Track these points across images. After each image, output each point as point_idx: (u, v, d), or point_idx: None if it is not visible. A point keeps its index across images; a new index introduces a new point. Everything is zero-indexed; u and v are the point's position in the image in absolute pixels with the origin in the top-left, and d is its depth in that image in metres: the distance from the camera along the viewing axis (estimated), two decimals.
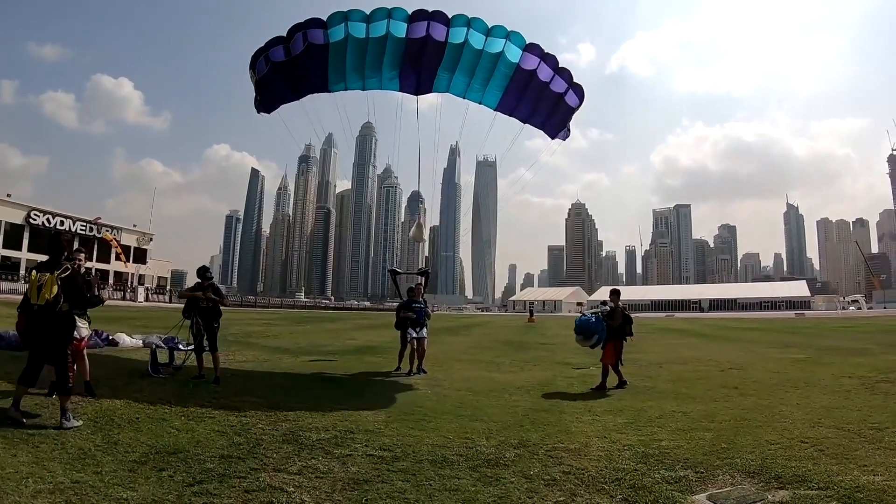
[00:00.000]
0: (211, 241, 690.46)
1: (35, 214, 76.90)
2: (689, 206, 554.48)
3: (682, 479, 5.92)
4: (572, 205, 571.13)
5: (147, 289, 75.77)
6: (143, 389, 10.00)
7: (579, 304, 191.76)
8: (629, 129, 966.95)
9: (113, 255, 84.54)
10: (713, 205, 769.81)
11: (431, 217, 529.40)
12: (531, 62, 13.09)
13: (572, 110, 14.31)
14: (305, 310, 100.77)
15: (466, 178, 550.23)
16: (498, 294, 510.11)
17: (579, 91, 13.94)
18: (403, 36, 12.73)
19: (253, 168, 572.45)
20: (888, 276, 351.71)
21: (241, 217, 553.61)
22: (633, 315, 13.13)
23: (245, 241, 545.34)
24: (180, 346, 15.36)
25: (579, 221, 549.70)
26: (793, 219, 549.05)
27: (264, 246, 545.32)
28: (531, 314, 72.17)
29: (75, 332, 7.89)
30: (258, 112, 14.53)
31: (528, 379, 13.80)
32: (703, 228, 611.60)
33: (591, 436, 7.83)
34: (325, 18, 12.74)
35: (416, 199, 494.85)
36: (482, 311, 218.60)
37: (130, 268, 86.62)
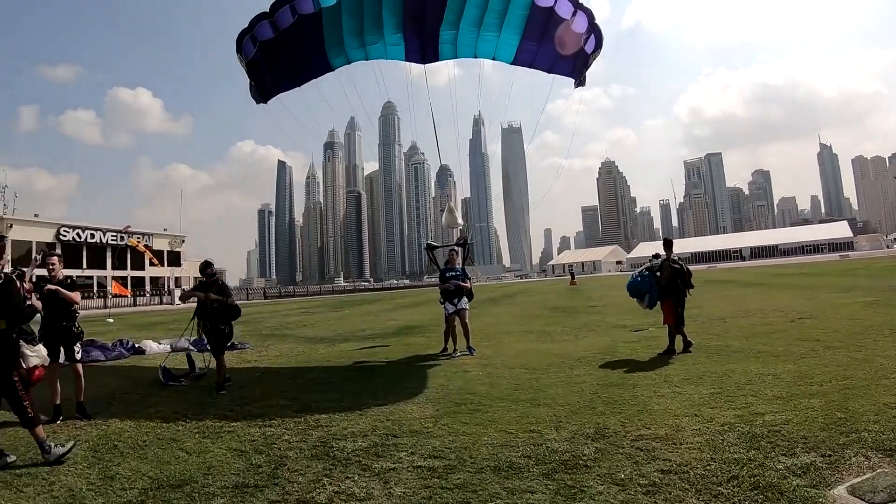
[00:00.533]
0: (246, 236, 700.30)
1: (65, 231, 76.92)
2: (720, 154, 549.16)
3: (809, 468, 4.68)
4: (602, 163, 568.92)
5: (184, 290, 75.49)
6: (160, 403, 8.95)
7: (618, 262, 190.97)
8: (650, 82, 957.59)
9: (147, 262, 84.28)
10: (745, 151, 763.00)
11: (462, 189, 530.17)
12: None
13: (589, 56, 12.64)
14: (345, 294, 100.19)
15: (493, 148, 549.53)
16: (535, 260, 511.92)
17: (598, 34, 12.28)
18: None
19: (279, 160, 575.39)
20: None
21: (273, 210, 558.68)
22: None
23: (279, 233, 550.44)
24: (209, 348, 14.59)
25: (610, 180, 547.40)
26: (826, 159, 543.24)
27: (299, 236, 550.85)
28: (572, 277, 71.16)
29: (22, 362, 6.51)
30: (256, 102, 13.18)
31: (586, 348, 12.56)
32: (736, 176, 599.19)
33: (679, 415, 6.58)
34: None
35: (444, 173, 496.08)
36: (521, 278, 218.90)
37: (165, 271, 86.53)
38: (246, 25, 11.86)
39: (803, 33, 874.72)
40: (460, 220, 17.14)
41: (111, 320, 34.95)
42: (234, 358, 13.84)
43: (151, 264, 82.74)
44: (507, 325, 19.06)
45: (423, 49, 13.03)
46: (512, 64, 13.18)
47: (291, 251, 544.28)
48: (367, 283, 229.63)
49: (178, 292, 70.44)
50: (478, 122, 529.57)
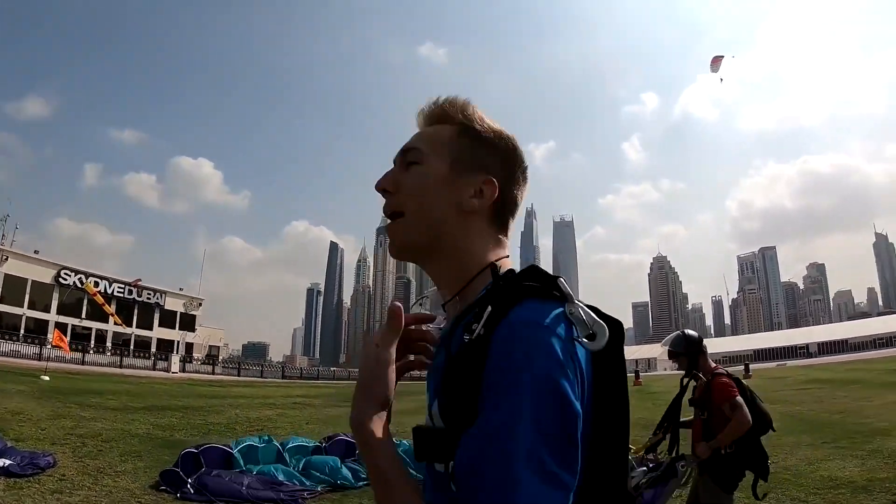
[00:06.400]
0: (293, 313, 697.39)
1: (66, 274, 69.70)
2: (775, 248, 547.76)
3: None
4: (654, 258, 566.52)
5: (183, 357, 67.13)
6: None
7: None
8: (700, 176, 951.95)
9: (137, 317, 76.15)
10: (797, 244, 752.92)
11: None
12: None
13: None
14: None
15: (544, 241, 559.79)
16: None
17: None
18: None
19: (332, 241, 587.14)
20: None
21: (322, 290, 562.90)
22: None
23: (326, 313, 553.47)
24: None
25: (662, 275, 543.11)
26: (883, 249, 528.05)
27: (345, 318, 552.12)
28: (637, 375, 61.80)
29: None
30: None
31: None
32: (790, 270, 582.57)
33: None
34: None
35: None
36: None
37: (176, 335, 78.31)
38: None
39: (852, 120, 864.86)
40: None
41: (46, 378, 28.04)
42: None
43: (116, 320, 74.31)
44: None
45: None
46: None
47: (337, 332, 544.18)
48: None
49: (175, 358, 61.80)
50: (530, 215, 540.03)
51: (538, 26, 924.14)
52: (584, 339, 1.05)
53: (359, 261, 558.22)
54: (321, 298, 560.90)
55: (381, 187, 1.29)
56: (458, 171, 1.26)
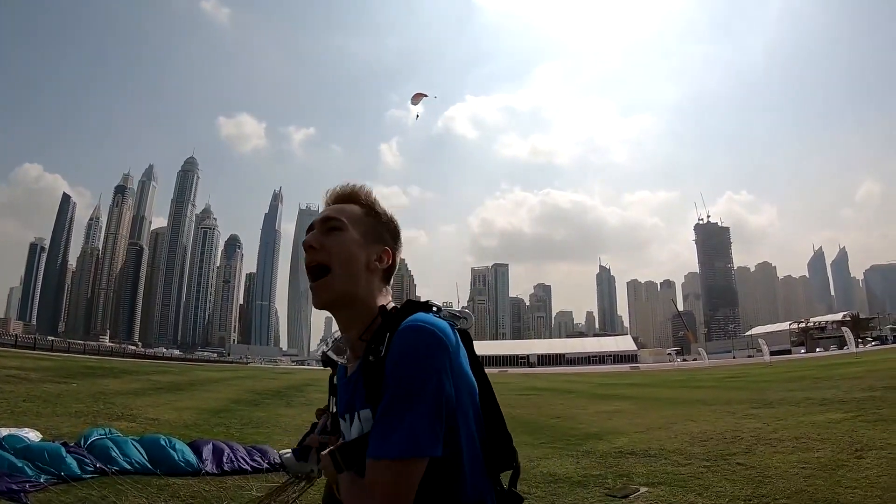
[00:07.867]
0: (11, 270, 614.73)
1: None
2: (507, 265, 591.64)
3: None
4: None
5: None
6: None
7: None
8: (450, 189, 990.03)
9: None
10: (529, 266, 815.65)
11: (248, 264, 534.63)
12: None
13: None
14: (104, 356, 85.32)
15: (287, 227, 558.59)
16: (313, 347, 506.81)
17: None
18: None
19: (65, 193, 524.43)
20: (694, 331, 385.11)
21: (47, 247, 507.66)
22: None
23: (49, 274, 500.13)
24: None
25: (398, 276, 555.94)
26: (604, 280, 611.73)
27: (69, 281, 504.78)
28: None
29: None
30: None
31: None
32: (519, 288, 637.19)
33: None
34: None
35: (234, 244, 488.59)
36: (298, 364, 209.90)
37: None
38: None
39: (598, 167, 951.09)
40: None
41: None
42: None
43: None
44: None
45: None
46: None
47: (58, 296, 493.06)
48: (134, 348, 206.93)
49: None
50: (276, 198, 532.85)
51: (333, 15, 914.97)
52: (459, 323, 1.75)
53: (91, 219, 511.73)
54: (44, 256, 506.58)
55: (309, 244, 1.82)
56: (368, 241, 1.84)
